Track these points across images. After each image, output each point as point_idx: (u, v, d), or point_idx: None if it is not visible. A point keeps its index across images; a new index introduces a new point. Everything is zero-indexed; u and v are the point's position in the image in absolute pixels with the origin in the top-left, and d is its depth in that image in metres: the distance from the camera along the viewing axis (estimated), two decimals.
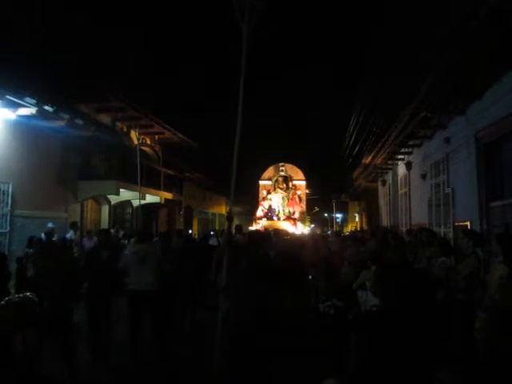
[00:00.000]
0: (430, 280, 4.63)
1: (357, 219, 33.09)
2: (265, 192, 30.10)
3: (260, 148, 29.26)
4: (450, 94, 8.49)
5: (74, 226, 12.83)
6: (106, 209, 17.16)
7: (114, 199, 16.93)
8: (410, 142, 12.71)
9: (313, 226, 36.85)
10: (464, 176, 9.45)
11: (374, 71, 14.88)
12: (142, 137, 19.39)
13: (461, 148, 9.58)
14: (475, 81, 7.86)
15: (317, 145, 30.88)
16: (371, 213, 24.54)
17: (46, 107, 11.21)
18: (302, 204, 30.34)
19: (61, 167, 14.09)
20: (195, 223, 28.98)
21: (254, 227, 24.38)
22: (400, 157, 15.19)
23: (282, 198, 29.35)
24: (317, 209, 40.89)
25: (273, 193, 29.74)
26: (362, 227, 25.64)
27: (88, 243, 11.85)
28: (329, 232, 21.75)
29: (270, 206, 28.81)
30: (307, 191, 34.69)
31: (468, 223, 8.98)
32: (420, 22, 8.80)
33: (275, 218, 27.74)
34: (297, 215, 28.51)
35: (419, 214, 13.43)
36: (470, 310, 3.82)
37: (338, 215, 38.94)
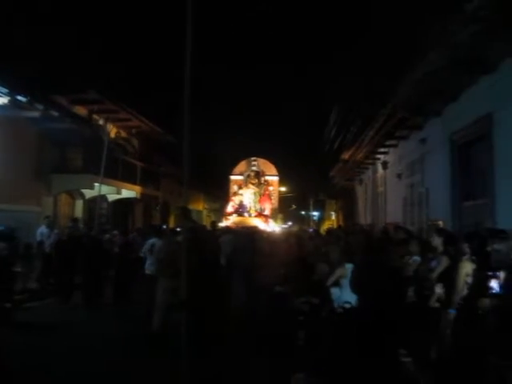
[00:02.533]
0: (404, 278, 4.70)
1: (333, 217, 33.38)
2: (236, 187, 29.28)
3: (233, 142, 28.74)
4: (426, 96, 8.63)
5: (46, 220, 12.56)
6: (80, 203, 16.87)
7: (88, 193, 16.65)
8: (387, 142, 12.87)
9: (290, 223, 36.97)
10: (438, 176, 9.62)
11: (353, 70, 15.01)
12: (118, 130, 19.13)
13: (436, 149, 9.75)
14: (451, 83, 8.00)
15: (295, 143, 30.54)
16: (347, 211, 24.78)
17: (20, 97, 10.93)
18: (273, 201, 29.76)
19: (35, 159, 13.78)
20: (172, 219, 28.75)
21: (223, 223, 23.46)
22: (377, 156, 15.38)
23: (254, 193, 28.48)
24: (294, 207, 41.07)
25: (244, 188, 28.86)
26: (339, 225, 25.79)
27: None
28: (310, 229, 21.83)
29: (241, 202, 27.87)
30: (283, 188, 34.61)
31: (441, 222, 9.15)
32: (399, 24, 8.92)
33: (246, 214, 26.91)
34: (267, 212, 27.74)
35: (394, 213, 13.64)
36: (441, 307, 3.91)
37: (315, 213, 39.18)
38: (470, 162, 8.54)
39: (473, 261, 3.61)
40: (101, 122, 18.03)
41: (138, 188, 19.13)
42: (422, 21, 7.41)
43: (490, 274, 3.05)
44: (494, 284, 3.00)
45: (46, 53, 12.80)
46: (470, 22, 5.88)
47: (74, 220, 12.95)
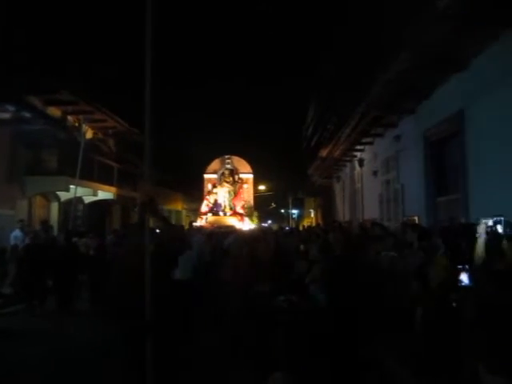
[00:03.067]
0: (378, 274, 4.76)
1: (312, 215, 33.60)
2: (210, 186, 28.78)
3: (209, 141, 28.46)
4: (399, 94, 8.76)
5: (20, 223, 12.29)
6: (55, 205, 16.56)
7: (64, 196, 16.35)
8: (363, 140, 13.02)
9: (270, 222, 36.98)
10: (413, 173, 9.78)
11: (328, 68, 15.11)
12: (93, 131, 18.83)
13: (410, 146, 9.91)
14: (424, 81, 8.14)
15: (272, 141, 30.48)
16: (326, 209, 24.95)
17: None
18: (248, 198, 29.27)
19: (8, 161, 13.47)
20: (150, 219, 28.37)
21: (198, 223, 22.91)
22: (354, 154, 15.54)
23: (229, 192, 27.98)
24: (273, 205, 41.18)
25: (219, 187, 28.35)
26: (317, 223, 25.94)
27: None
28: (287, 227, 21.89)
29: (215, 201, 27.47)
30: (263, 187, 34.55)
31: (416, 218, 9.31)
32: (372, 23, 9.02)
33: (221, 213, 26.56)
34: (239, 209, 27.36)
35: (371, 210, 13.81)
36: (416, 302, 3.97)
37: (295, 211, 39.36)
38: (443, 159, 8.71)
39: (447, 256, 3.68)
40: (76, 123, 17.75)
41: (114, 189, 18.89)
42: (394, 20, 7.50)
43: (459, 267, 3.13)
44: (464, 277, 3.07)
45: (17, 52, 12.51)
46: (441, 20, 6.00)
47: (44, 222, 12.64)
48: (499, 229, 4.49)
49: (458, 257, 3.55)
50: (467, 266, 3.10)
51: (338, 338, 2.49)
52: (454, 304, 3.35)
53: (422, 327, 3.27)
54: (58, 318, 8.81)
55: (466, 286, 3.02)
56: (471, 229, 4.37)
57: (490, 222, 4.26)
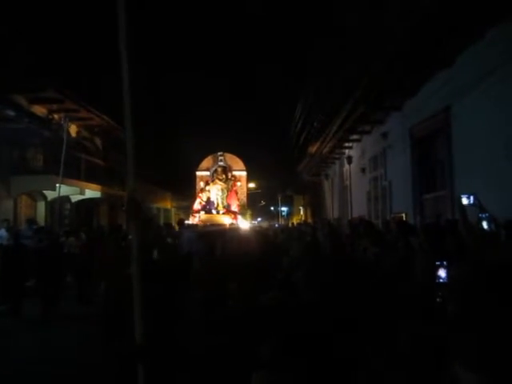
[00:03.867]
0: (363, 270, 4.75)
1: (301, 212, 33.67)
2: (202, 184, 28.19)
3: (199, 139, 28.12)
4: (386, 91, 8.77)
5: (5, 223, 12.12)
6: (42, 205, 16.36)
7: (50, 195, 16.15)
8: (350, 137, 13.04)
9: (259, 219, 36.94)
10: (400, 169, 9.82)
11: (316, 65, 15.10)
12: (79, 129, 18.65)
13: (397, 143, 9.94)
14: (411, 78, 8.16)
15: (261, 139, 30.33)
16: (315, 206, 24.99)
17: None
18: (242, 196, 28.78)
19: None
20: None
21: (190, 221, 22.35)
22: (342, 151, 15.56)
23: (222, 189, 27.49)
24: (263, 202, 41.21)
25: (211, 184, 27.81)
26: (305, 220, 25.94)
27: None
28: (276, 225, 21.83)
29: (208, 199, 26.90)
30: (252, 185, 34.39)
31: (404, 215, 9.35)
32: (361, 18, 9.02)
33: (214, 211, 25.95)
34: (234, 208, 26.84)
35: (359, 207, 13.85)
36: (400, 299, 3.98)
37: (284, 209, 39.41)
38: (429, 155, 8.75)
39: (430, 252, 3.70)
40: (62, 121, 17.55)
41: (101, 188, 18.71)
42: (380, 15, 7.51)
43: (438, 263, 3.13)
44: (442, 273, 3.07)
45: (1, 50, 12.32)
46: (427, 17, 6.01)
47: (30, 221, 12.44)
48: (485, 225, 4.51)
49: (440, 254, 3.55)
50: (445, 263, 3.10)
51: (327, 336, 2.46)
52: (438, 300, 3.38)
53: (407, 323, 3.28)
54: (39, 323, 8.07)
55: (443, 283, 3.03)
56: (456, 225, 4.38)
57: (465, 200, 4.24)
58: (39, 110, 16.03)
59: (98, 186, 18.33)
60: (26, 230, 11.46)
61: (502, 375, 1.28)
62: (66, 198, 17.46)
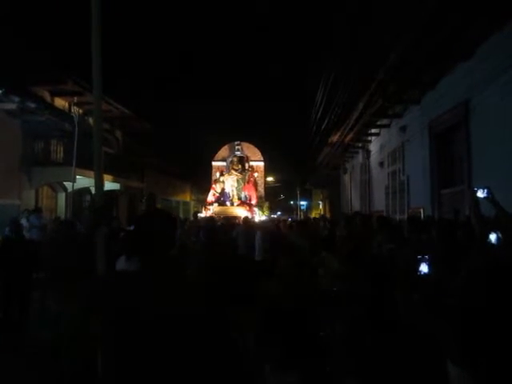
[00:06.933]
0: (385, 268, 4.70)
1: (320, 207, 33.50)
2: (218, 174, 26.63)
3: (217, 129, 27.36)
4: (405, 83, 8.61)
5: (26, 213, 12.37)
6: (62, 196, 16.66)
7: (71, 186, 16.41)
8: (369, 131, 12.88)
9: (279, 213, 36.88)
10: (418, 164, 9.65)
11: (333, 57, 14.92)
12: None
13: (415, 137, 9.77)
14: (430, 70, 7.99)
15: (280, 131, 29.83)
16: (334, 200, 24.74)
17: None
18: (259, 188, 27.28)
19: (14, 152, 13.55)
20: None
21: (203, 213, 21.06)
22: (361, 145, 15.38)
23: (237, 180, 25.69)
24: (282, 196, 41.12)
25: (226, 175, 26.21)
26: (324, 214, 25.67)
27: None
28: (289, 218, 21.50)
29: (222, 190, 25.25)
30: (271, 178, 34.16)
31: (421, 210, 9.20)
32: (380, 9, 8.87)
33: (228, 203, 24.37)
34: (253, 201, 25.22)
35: (378, 202, 13.69)
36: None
37: (303, 203, 39.26)
38: (448, 150, 8.57)
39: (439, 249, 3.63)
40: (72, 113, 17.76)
41: (121, 180, 18.93)
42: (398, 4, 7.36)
43: (419, 257, 3.09)
44: (424, 268, 3.03)
45: (21, 43, 12.54)
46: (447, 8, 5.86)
47: (37, 210, 12.44)
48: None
49: (453, 250, 3.48)
50: (426, 257, 3.07)
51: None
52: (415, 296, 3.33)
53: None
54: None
55: (423, 276, 2.99)
56: (469, 222, 4.27)
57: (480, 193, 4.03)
58: (60, 102, 16.28)
59: (118, 178, 18.54)
60: (33, 219, 11.60)
61: (487, 371, 1.24)
62: (86, 190, 17.75)
